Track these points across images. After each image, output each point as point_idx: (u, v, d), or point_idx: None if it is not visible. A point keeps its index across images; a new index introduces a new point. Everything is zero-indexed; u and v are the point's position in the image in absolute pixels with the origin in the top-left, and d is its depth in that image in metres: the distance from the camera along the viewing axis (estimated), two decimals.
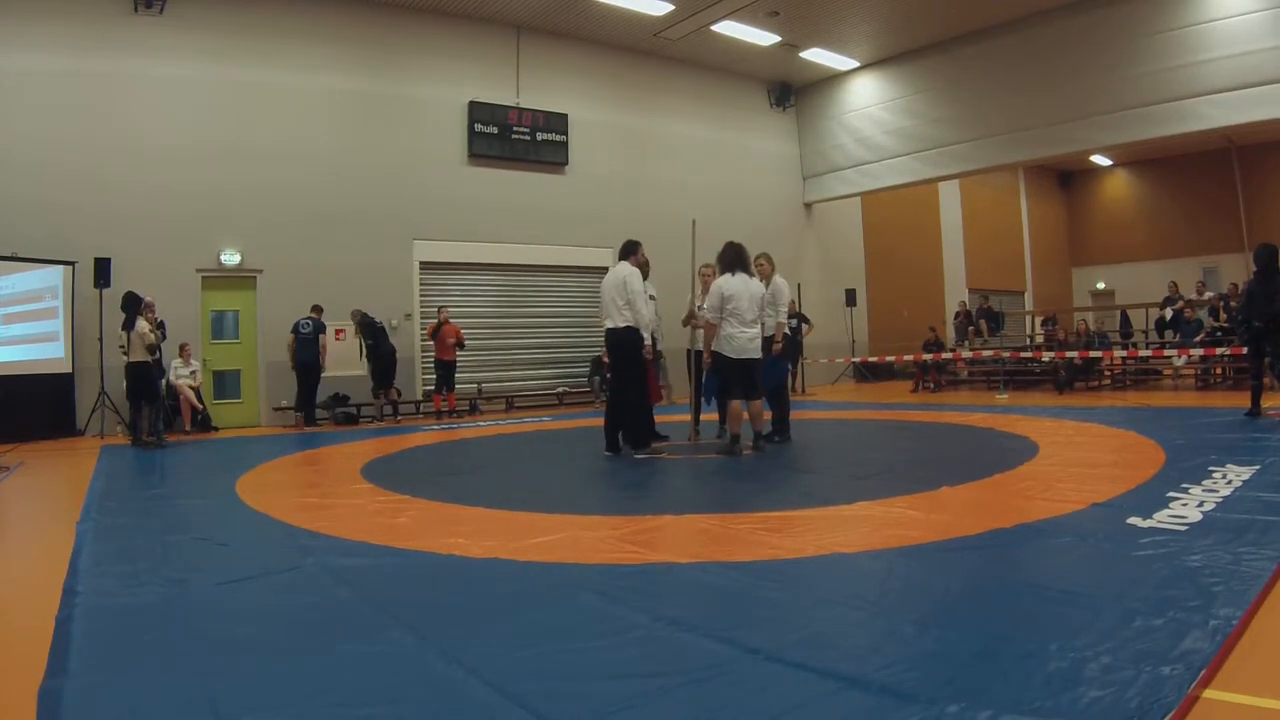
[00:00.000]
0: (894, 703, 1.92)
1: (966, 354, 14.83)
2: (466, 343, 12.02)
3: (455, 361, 11.92)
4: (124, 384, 9.08)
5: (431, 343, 12.00)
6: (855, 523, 3.96)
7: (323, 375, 11.05)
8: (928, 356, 14.90)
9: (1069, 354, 12.49)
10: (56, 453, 8.74)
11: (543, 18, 13.49)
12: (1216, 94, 11.50)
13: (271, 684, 2.21)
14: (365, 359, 11.43)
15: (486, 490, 5.45)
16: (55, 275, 10.02)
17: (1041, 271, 23.88)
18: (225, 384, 11.47)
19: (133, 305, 8.77)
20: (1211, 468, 4.88)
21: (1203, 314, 13.42)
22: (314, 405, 10.98)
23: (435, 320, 11.95)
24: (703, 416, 7.74)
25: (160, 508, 5.31)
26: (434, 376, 12.24)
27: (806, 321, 12.47)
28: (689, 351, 7.70)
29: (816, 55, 15.68)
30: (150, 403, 8.79)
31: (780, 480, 5.54)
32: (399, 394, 11.74)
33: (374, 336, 11.36)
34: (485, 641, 2.48)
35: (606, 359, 7.46)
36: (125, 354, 8.77)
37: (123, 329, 8.82)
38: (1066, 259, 24.97)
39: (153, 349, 8.60)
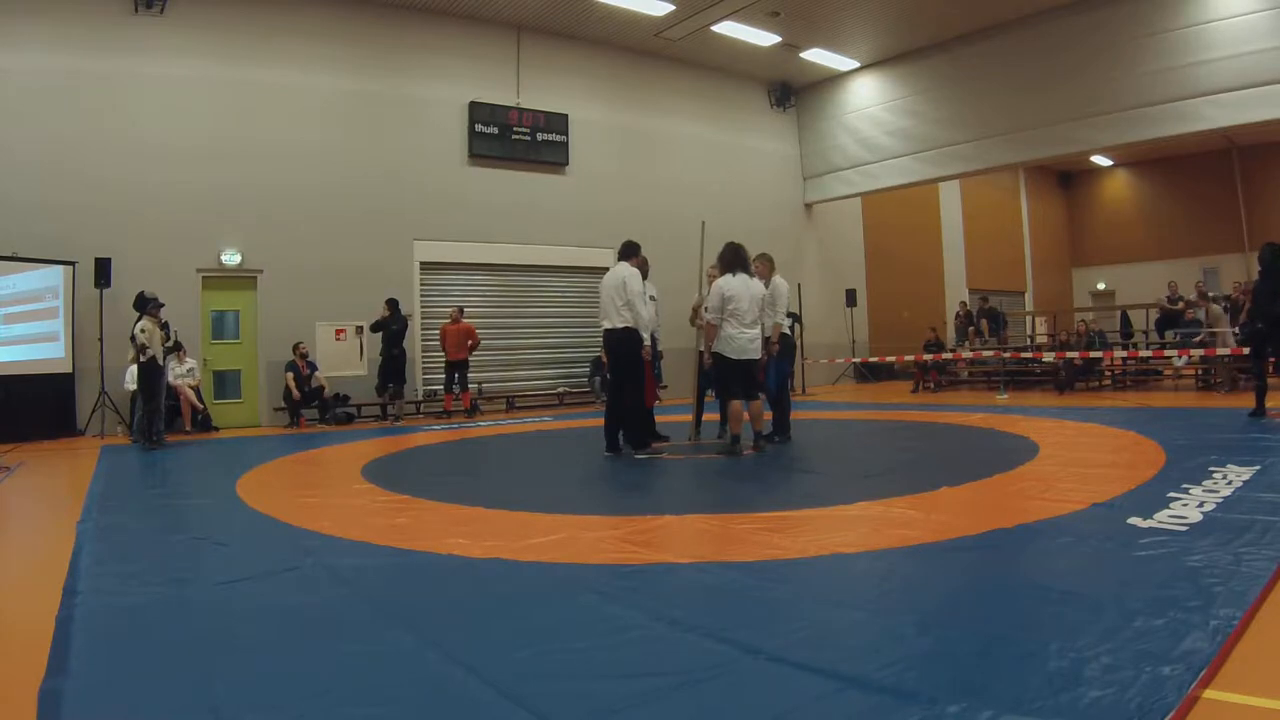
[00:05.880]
0: (894, 703, 1.93)
1: (967, 354, 14.83)
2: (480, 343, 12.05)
3: (467, 360, 11.93)
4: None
5: (437, 341, 12.03)
6: (855, 523, 3.96)
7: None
8: (928, 357, 14.90)
9: (1069, 354, 12.49)
10: (56, 453, 8.74)
11: (543, 18, 13.49)
12: (1216, 94, 11.49)
13: (271, 684, 2.21)
14: (378, 354, 11.37)
15: (486, 490, 5.45)
16: (55, 275, 10.02)
17: (1041, 271, 23.88)
18: (226, 384, 11.47)
19: (139, 305, 8.77)
20: (1212, 468, 4.87)
21: (1201, 314, 13.41)
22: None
23: (448, 320, 11.95)
24: (704, 416, 7.75)
25: (160, 508, 5.32)
26: (440, 376, 12.25)
27: (798, 320, 12.44)
28: (700, 353, 7.71)
29: (817, 55, 15.68)
30: (144, 404, 8.75)
31: (780, 480, 5.54)
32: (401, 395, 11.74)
33: (399, 327, 11.35)
34: (485, 641, 2.49)
35: (605, 359, 7.46)
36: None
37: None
38: (1067, 259, 24.97)
39: (143, 349, 8.53)
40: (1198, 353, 11.48)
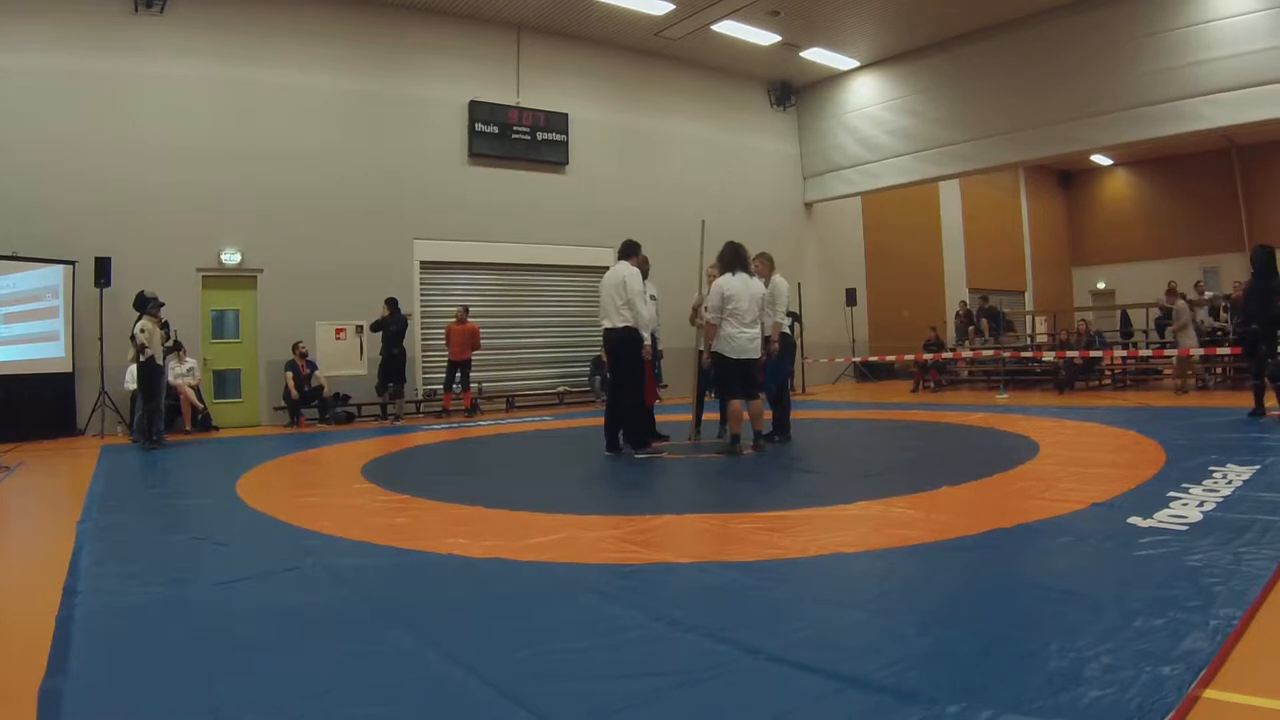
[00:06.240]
0: (894, 703, 1.93)
1: (967, 354, 14.83)
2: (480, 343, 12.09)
3: (470, 360, 11.95)
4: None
5: (437, 341, 12.04)
6: (855, 523, 3.96)
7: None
8: (928, 356, 14.89)
9: (1069, 353, 12.50)
10: (56, 453, 8.74)
11: (543, 17, 13.48)
12: (1216, 94, 11.49)
13: (271, 684, 2.21)
14: (378, 354, 11.35)
15: (486, 490, 5.45)
16: (55, 275, 10.02)
17: (1041, 271, 23.88)
18: (225, 384, 11.47)
19: (139, 305, 8.76)
20: (1212, 467, 4.88)
21: (1202, 313, 13.41)
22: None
23: (453, 319, 11.96)
24: (704, 416, 7.75)
25: (160, 507, 5.32)
26: (440, 376, 12.27)
27: (798, 319, 12.42)
28: (700, 352, 7.71)
29: (817, 55, 15.68)
30: (144, 404, 8.75)
31: (780, 480, 5.54)
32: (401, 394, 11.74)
33: (399, 328, 11.34)
34: (485, 641, 2.49)
35: (605, 359, 7.46)
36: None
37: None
38: (1066, 259, 24.96)
39: (142, 349, 8.53)
40: (1198, 353, 11.49)
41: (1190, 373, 11.75)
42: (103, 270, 9.88)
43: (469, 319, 11.98)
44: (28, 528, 5.09)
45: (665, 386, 12.94)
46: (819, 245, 18.07)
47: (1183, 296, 12.45)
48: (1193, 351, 11.49)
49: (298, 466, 7.37)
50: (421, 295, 12.82)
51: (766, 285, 6.92)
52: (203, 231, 10.99)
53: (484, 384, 12.99)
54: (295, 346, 11.01)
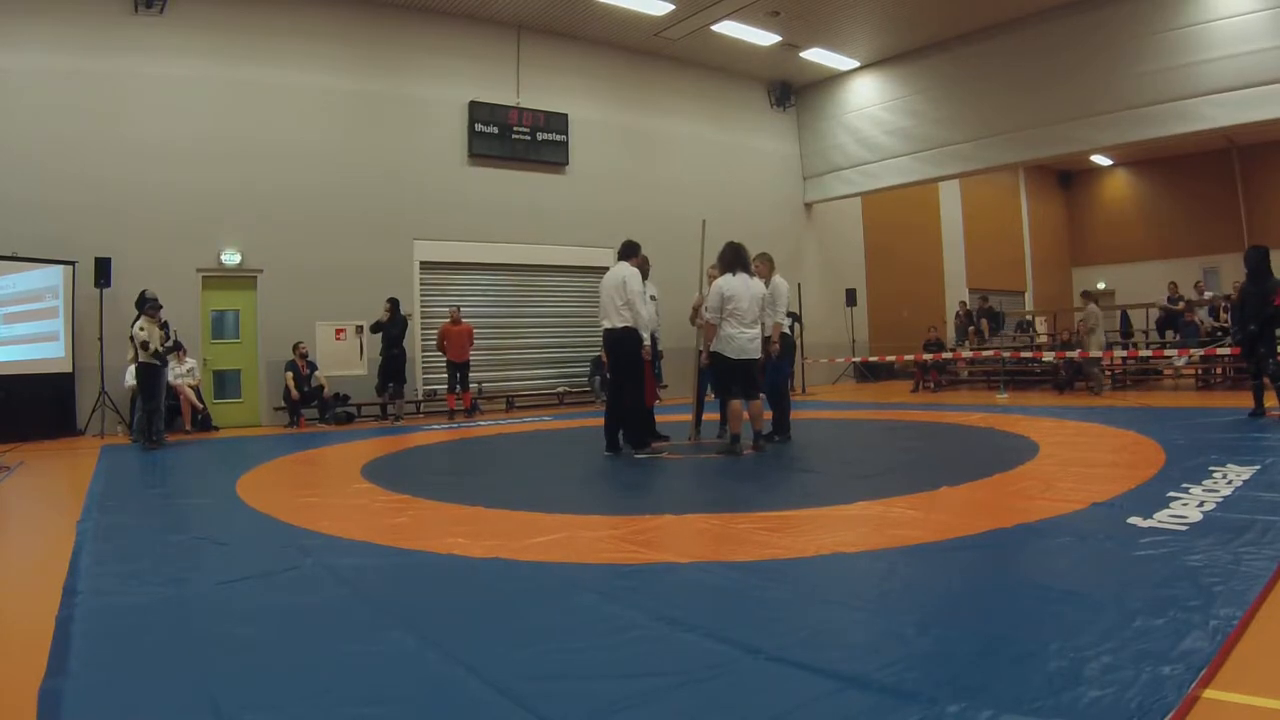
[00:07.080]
0: (894, 703, 1.92)
1: (967, 354, 14.83)
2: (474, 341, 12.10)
3: (469, 362, 11.95)
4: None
5: (434, 342, 12.06)
6: (855, 523, 3.96)
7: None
8: (928, 356, 14.89)
9: (1069, 354, 12.51)
10: (56, 453, 8.74)
11: (543, 17, 13.48)
12: (1216, 94, 11.50)
13: (271, 684, 2.21)
14: (378, 354, 11.35)
15: (486, 490, 5.45)
16: (55, 275, 10.02)
17: (1041, 271, 23.87)
18: (225, 384, 11.48)
19: (138, 305, 8.77)
20: (1212, 467, 4.87)
21: (1202, 313, 13.43)
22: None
23: (447, 321, 11.95)
24: (704, 416, 7.75)
25: (160, 507, 5.32)
26: (440, 376, 12.29)
27: (798, 320, 12.42)
28: (699, 352, 7.71)
29: (817, 55, 15.68)
30: (144, 404, 8.76)
31: (780, 480, 5.54)
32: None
33: (398, 329, 11.35)
34: (485, 641, 2.49)
35: (605, 359, 7.46)
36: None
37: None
38: (1066, 259, 24.96)
39: (144, 345, 8.53)
40: (1198, 353, 11.51)
41: (1096, 371, 11.92)
42: (103, 270, 9.88)
43: (462, 319, 11.98)
44: (28, 528, 5.09)
45: (665, 386, 12.94)
46: (819, 245, 18.07)
47: (1096, 301, 12.62)
48: (1092, 353, 11.66)
49: (298, 466, 7.37)
50: (421, 295, 12.82)
51: (767, 285, 6.92)
52: (203, 231, 10.99)
53: (484, 384, 12.99)
54: (295, 347, 11.01)
